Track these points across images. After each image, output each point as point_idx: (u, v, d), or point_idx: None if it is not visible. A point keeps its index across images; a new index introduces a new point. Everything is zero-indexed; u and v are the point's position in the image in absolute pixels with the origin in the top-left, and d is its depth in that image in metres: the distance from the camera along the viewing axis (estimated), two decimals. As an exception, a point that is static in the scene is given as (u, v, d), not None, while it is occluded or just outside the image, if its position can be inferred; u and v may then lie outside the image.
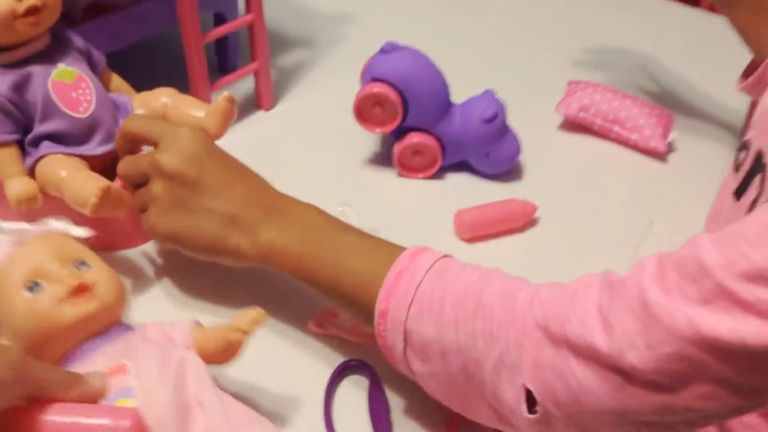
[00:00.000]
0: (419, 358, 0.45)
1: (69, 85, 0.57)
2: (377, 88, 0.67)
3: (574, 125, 0.81)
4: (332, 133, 0.77)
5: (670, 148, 0.79)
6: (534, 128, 0.78)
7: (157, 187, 0.52)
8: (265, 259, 0.51)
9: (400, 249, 0.48)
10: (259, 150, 0.73)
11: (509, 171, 0.73)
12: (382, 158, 0.75)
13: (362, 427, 0.50)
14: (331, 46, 0.92)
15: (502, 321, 0.42)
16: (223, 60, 0.83)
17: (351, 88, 0.70)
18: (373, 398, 0.52)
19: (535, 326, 0.40)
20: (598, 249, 0.66)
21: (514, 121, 0.72)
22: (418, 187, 0.72)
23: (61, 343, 0.45)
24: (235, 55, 0.83)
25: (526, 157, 0.75)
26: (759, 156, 0.45)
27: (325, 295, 0.50)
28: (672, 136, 0.79)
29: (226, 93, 0.61)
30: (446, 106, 0.70)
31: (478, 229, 0.66)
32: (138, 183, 0.55)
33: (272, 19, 0.87)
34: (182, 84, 0.71)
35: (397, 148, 0.71)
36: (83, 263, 0.47)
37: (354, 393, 0.53)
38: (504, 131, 0.71)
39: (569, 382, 0.38)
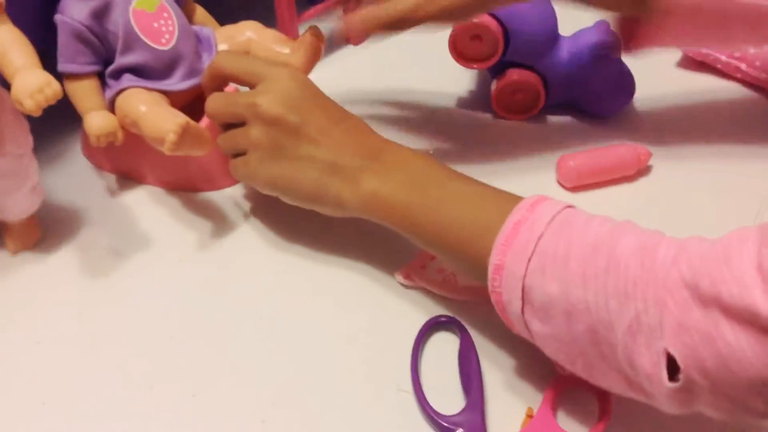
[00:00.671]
0: (539, 317, 0.41)
1: (151, 14, 0.54)
2: (476, 18, 0.61)
3: (694, 62, 0.73)
4: (425, 70, 0.72)
5: (807, 89, 0.70)
6: (649, 65, 0.69)
7: (256, 131, 0.50)
8: (367, 209, 0.48)
9: (516, 198, 0.44)
10: (346, 88, 0.69)
11: (621, 113, 0.66)
12: (478, 98, 0.69)
13: (452, 387, 0.47)
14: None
15: (640, 278, 0.37)
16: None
17: (447, 19, 0.64)
18: (464, 358, 0.48)
19: (682, 284, 0.35)
20: (720, 202, 0.59)
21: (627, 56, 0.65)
22: (517, 129, 0.66)
23: None
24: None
25: (639, 98, 0.67)
26: None
27: (431, 248, 0.47)
28: (810, 75, 0.69)
29: (312, 26, 0.57)
30: (553, 38, 0.63)
31: (585, 177, 0.60)
32: (227, 123, 0.52)
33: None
34: (268, 14, 0.67)
35: (496, 86, 0.65)
36: None
37: (444, 351, 0.49)
38: (617, 67, 0.64)
39: (719, 348, 0.34)
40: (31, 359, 0.48)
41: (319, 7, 0.71)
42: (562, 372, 0.45)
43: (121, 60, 0.53)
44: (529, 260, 0.40)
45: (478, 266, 0.43)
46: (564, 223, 0.41)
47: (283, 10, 0.68)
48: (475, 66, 0.64)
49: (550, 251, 0.40)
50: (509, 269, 0.41)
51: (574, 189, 0.60)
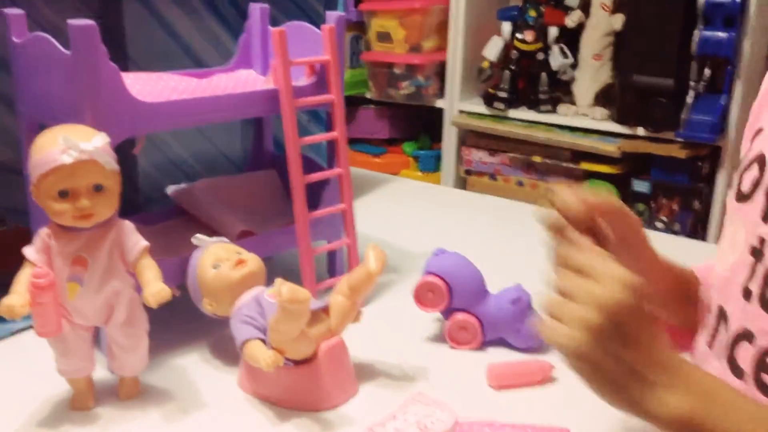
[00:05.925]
0: None
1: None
2: (430, 278, 0.93)
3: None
4: (398, 316, 1.02)
5: None
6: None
7: (591, 316, 0.55)
8: (675, 427, 0.54)
9: None
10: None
11: (539, 348, 0.94)
12: (438, 334, 0.98)
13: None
14: (403, 255, 1.20)
15: None
16: (332, 267, 1.12)
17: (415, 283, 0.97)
18: None
19: None
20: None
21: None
22: (463, 354, 0.94)
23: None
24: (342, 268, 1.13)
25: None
26: None
27: None
28: None
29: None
30: (483, 292, 0.94)
31: (506, 379, 0.86)
32: None
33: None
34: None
35: (447, 324, 0.95)
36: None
37: None
38: (530, 313, 0.93)
39: None
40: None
41: (332, 280, 1.05)
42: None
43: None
44: None
45: None
46: None
47: (306, 281, 1.01)
48: (431, 310, 0.95)
49: None
50: None
51: (498, 388, 0.86)
